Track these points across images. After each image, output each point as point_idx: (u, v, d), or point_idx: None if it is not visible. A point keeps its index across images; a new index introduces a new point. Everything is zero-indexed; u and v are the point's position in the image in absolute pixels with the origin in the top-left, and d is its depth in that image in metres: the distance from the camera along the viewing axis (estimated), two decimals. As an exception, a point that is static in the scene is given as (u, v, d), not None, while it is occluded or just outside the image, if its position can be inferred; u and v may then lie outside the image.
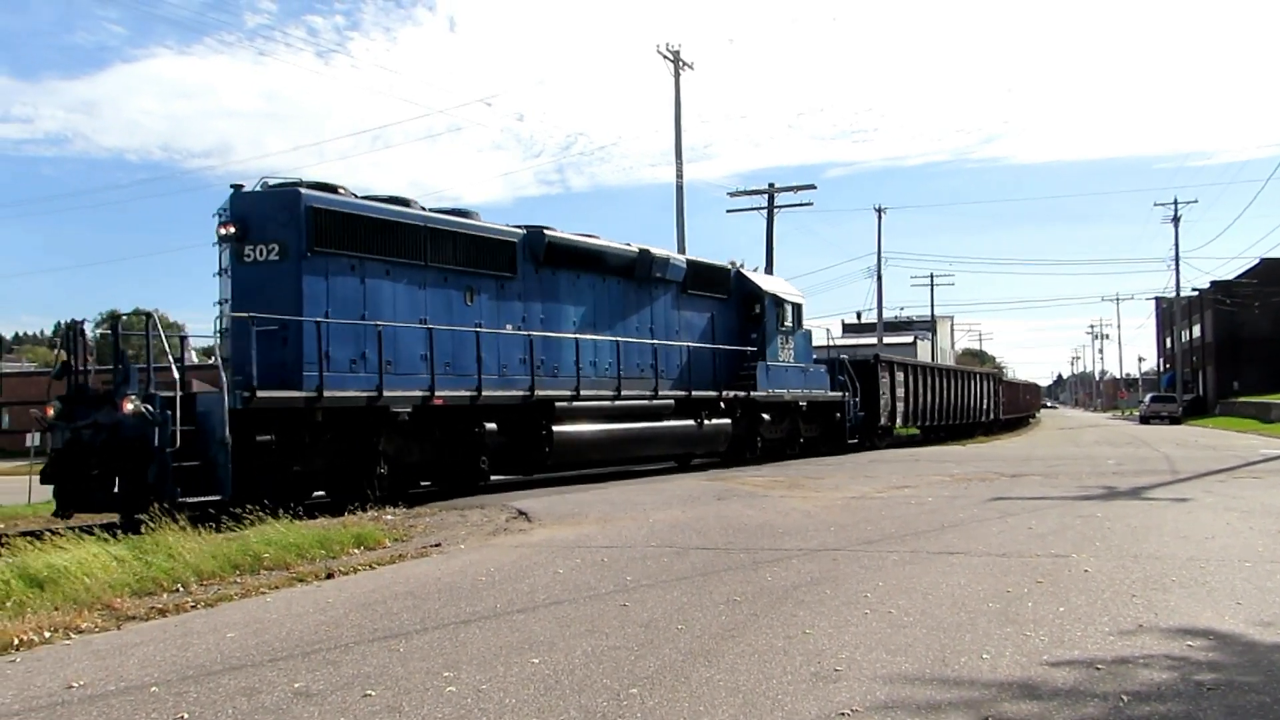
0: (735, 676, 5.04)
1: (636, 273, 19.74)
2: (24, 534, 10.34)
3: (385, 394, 13.82)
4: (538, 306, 17.40)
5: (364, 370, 13.88)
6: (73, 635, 6.46)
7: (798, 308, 24.78)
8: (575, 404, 17.29)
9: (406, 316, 14.86)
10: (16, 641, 6.17)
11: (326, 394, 13.04)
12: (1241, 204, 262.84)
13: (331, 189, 14.31)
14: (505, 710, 4.58)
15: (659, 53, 34.78)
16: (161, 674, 5.37)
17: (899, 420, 31.68)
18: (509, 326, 16.68)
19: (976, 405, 41.21)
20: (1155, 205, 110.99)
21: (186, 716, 4.60)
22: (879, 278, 57.99)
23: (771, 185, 40.38)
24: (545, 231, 17.53)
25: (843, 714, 4.43)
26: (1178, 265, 67.23)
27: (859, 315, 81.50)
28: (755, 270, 25.85)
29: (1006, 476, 17.52)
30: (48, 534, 8.84)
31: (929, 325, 79.03)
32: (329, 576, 8.46)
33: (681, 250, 34.59)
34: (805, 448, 24.88)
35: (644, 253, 19.94)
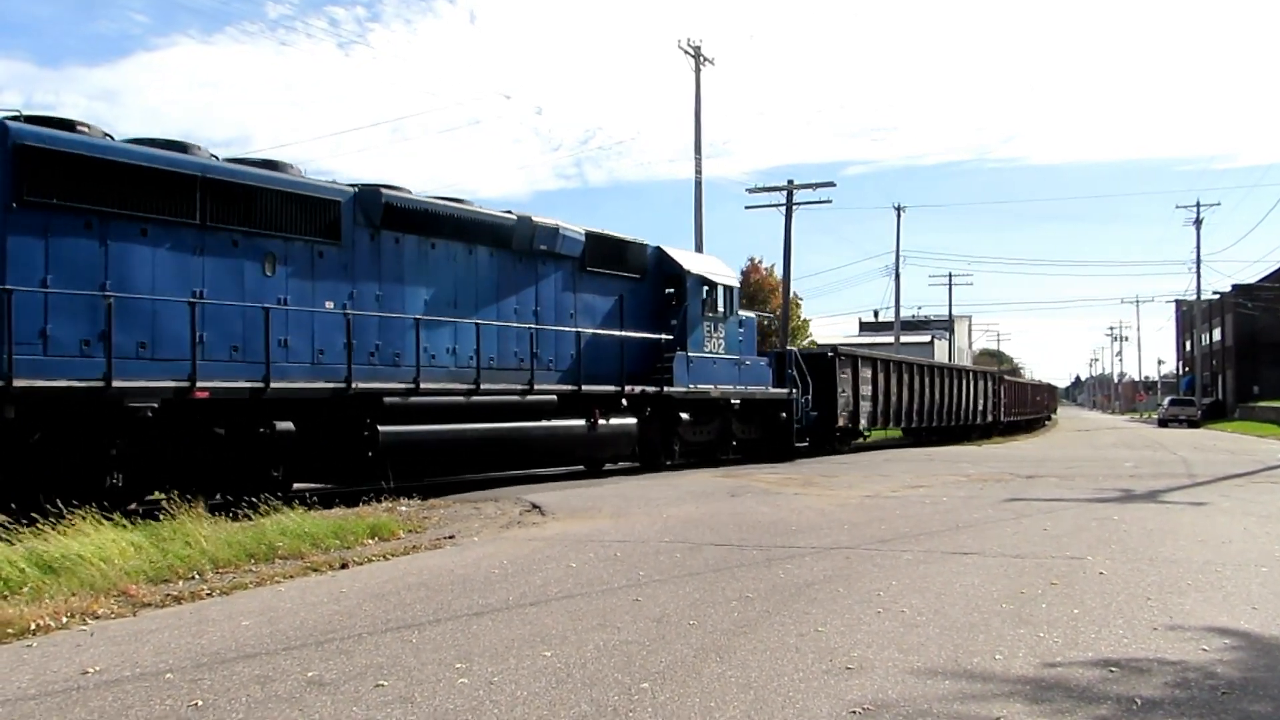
0: (747, 673, 5.04)
1: (515, 244, 16.72)
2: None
3: (118, 383, 10.94)
4: (373, 282, 14.43)
5: (101, 354, 11.04)
6: (89, 621, 6.50)
7: (731, 291, 21.62)
8: (413, 399, 14.17)
9: (172, 289, 12.00)
10: (33, 627, 6.22)
11: (19, 383, 10.20)
12: (1265, 207, 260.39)
13: (67, 125, 11.61)
14: (517, 702, 4.59)
15: (680, 48, 34.71)
16: (176, 661, 5.40)
17: (864, 421, 27.83)
18: (329, 304, 13.77)
19: (970, 406, 37.61)
20: (1177, 207, 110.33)
21: (201, 703, 4.63)
22: (897, 277, 57.76)
23: (790, 182, 40.20)
24: (383, 190, 14.63)
25: (854, 712, 4.42)
26: (1199, 268, 66.56)
27: (876, 314, 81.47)
28: (692, 252, 23.10)
29: (1022, 477, 17.45)
30: (65, 520, 8.89)
31: (947, 325, 78.84)
32: (343, 567, 8.50)
33: (699, 247, 34.55)
34: (744, 451, 22.19)
35: (524, 221, 16.85)
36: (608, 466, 19.05)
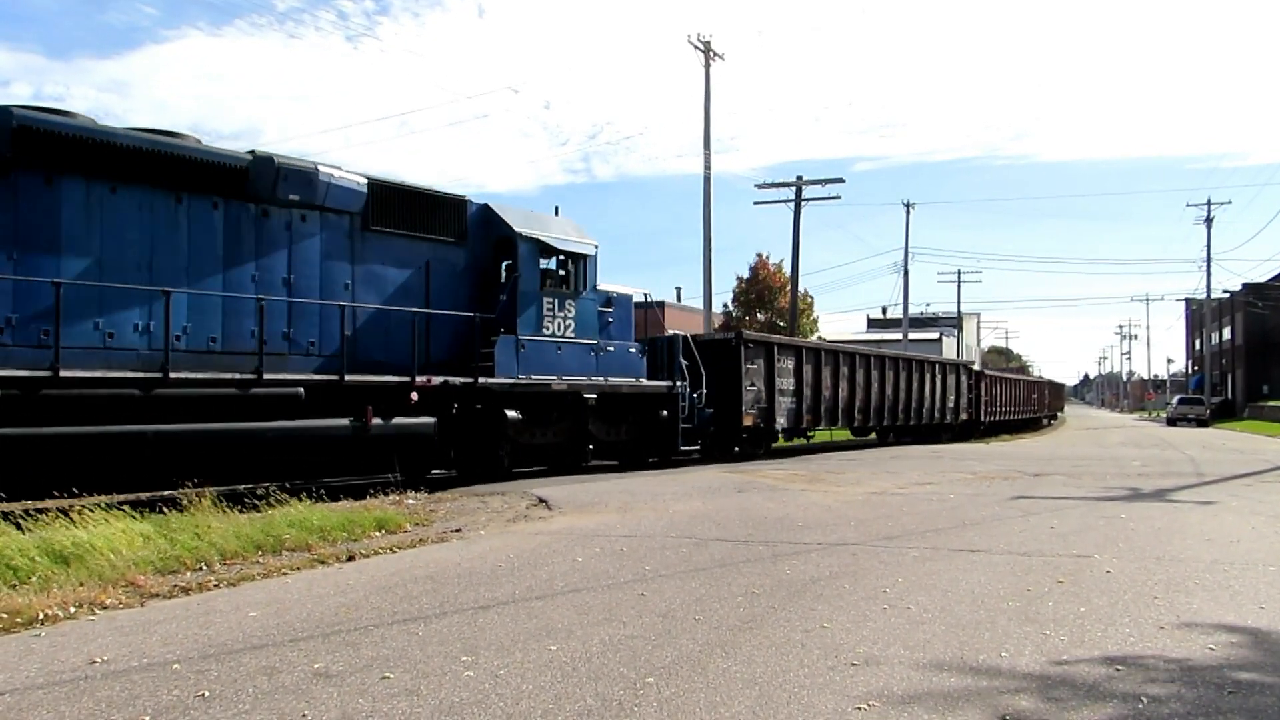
0: (752, 668, 5.04)
1: (253, 193, 13.13)
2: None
3: None
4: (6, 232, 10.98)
5: None
6: (97, 611, 6.53)
7: (584, 261, 17.22)
8: (47, 391, 10.66)
9: None
10: (41, 616, 6.26)
11: None
12: (1275, 206, 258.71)
13: None
14: (522, 696, 4.60)
15: (690, 43, 34.68)
16: (184, 651, 5.42)
17: (784, 420, 23.14)
18: None
19: (937, 404, 32.53)
20: (1188, 206, 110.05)
21: (208, 694, 4.65)
22: (906, 274, 57.61)
23: (800, 179, 40.17)
24: (18, 111, 11.12)
25: (859, 708, 4.42)
26: (1209, 266, 66.40)
27: (884, 311, 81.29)
28: (531, 211, 17.44)
29: (1029, 475, 17.42)
30: (75, 510, 8.93)
31: (955, 322, 78.69)
32: (350, 559, 8.53)
33: (707, 242, 34.52)
34: (611, 456, 18.69)
35: (264, 162, 13.20)
36: (609, 462, 18.63)
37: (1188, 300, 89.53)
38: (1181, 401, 68.02)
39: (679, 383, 19.20)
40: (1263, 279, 71.81)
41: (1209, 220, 66.15)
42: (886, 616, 6.20)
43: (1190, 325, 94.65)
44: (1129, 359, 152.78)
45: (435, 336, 15.16)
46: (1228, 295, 73.83)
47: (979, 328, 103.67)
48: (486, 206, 16.48)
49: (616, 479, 15.81)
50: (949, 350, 72.21)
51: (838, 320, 72.45)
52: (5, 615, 6.19)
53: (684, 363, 19.53)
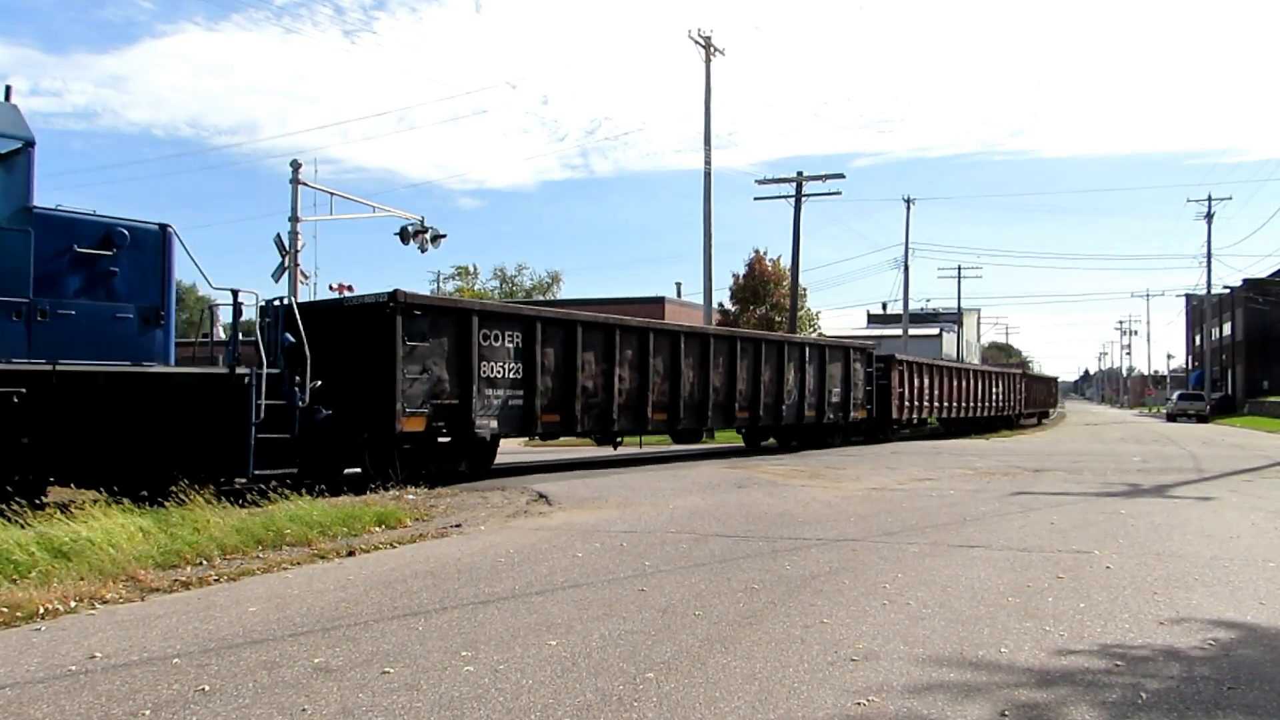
0: (752, 663, 5.04)
1: None
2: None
3: None
4: None
5: None
6: (97, 606, 6.54)
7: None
8: None
9: None
10: (42, 610, 6.26)
11: None
12: (1275, 202, 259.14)
13: None
14: (522, 691, 4.60)
15: (691, 38, 34.67)
16: (184, 646, 5.43)
17: (495, 422, 15.74)
18: None
19: (809, 399, 24.63)
20: (1189, 201, 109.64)
21: (208, 688, 4.66)
22: (906, 270, 57.62)
23: (800, 174, 40.17)
24: None
25: (859, 703, 4.42)
26: (1210, 262, 66.45)
27: (884, 306, 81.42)
28: None
29: (1029, 471, 17.42)
30: (74, 505, 8.94)
31: (955, 318, 78.74)
32: (350, 554, 8.54)
33: (708, 238, 34.51)
34: (95, 477, 11.15)
35: None
36: (608, 457, 17.87)
37: (1188, 296, 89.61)
38: (1182, 397, 68.03)
39: (262, 371, 12.33)
40: (1263, 274, 71.85)
41: (1209, 216, 66.22)
42: (886, 612, 6.21)
43: (1190, 321, 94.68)
44: (1129, 355, 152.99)
45: None
46: (1228, 291, 73.84)
47: (979, 324, 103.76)
48: None
49: (617, 474, 15.82)
50: (949, 346, 72.29)
51: (838, 316, 72.44)
52: (5, 609, 6.20)
53: (289, 340, 13.08)
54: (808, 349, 25.04)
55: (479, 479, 15.12)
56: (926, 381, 33.16)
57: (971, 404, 38.66)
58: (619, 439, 19.69)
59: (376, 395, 14.16)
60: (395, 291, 14.40)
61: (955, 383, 36.79)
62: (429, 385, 14.69)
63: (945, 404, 35.36)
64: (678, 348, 19.80)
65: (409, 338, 14.37)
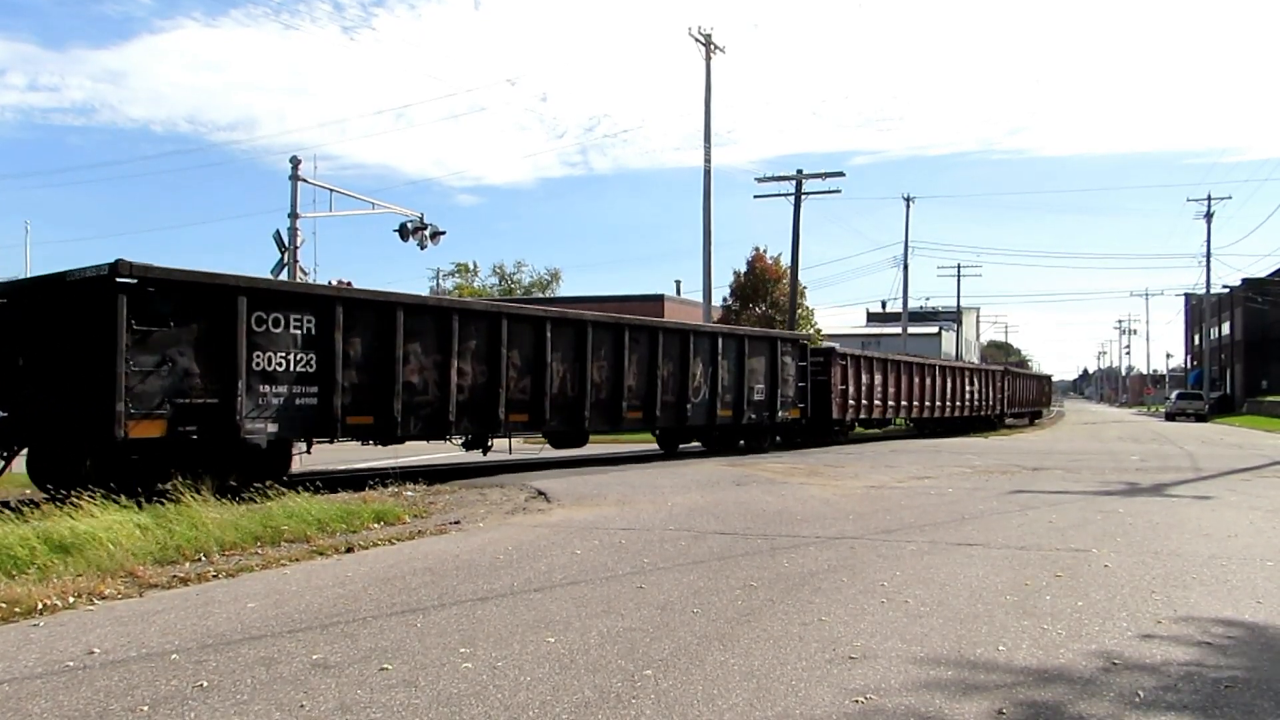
0: (750, 661, 5.05)
1: None
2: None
3: None
4: None
5: None
6: (95, 601, 6.54)
7: None
8: None
9: None
10: (40, 606, 6.26)
11: None
12: (1275, 201, 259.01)
13: None
14: (520, 687, 4.61)
15: (691, 36, 34.59)
16: (182, 642, 5.43)
17: (273, 425, 12.70)
18: None
19: (724, 396, 21.43)
20: (1188, 200, 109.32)
21: (206, 684, 4.66)
22: (905, 268, 57.59)
23: (800, 172, 40.13)
24: None
25: (857, 701, 4.43)
26: (1209, 261, 66.35)
27: (884, 305, 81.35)
28: None
29: (1028, 470, 17.44)
30: (74, 500, 8.94)
31: (955, 316, 78.72)
32: (348, 550, 8.54)
33: (707, 236, 34.45)
34: None
35: None
36: (610, 455, 17.63)
37: (1187, 295, 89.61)
38: (1180, 396, 67.97)
39: None
40: (1262, 274, 71.87)
41: (1209, 215, 66.13)
42: (884, 610, 6.21)
43: (1189, 320, 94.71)
44: (1128, 354, 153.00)
45: None
46: (1227, 290, 73.83)
47: (979, 322, 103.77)
48: None
49: (616, 471, 15.82)
50: (949, 345, 72.29)
51: (837, 314, 72.47)
52: (4, 605, 6.20)
53: None
54: (721, 339, 21.64)
55: (260, 489, 10.93)
56: (879, 378, 29.55)
57: (941, 403, 35.40)
58: (476, 443, 16.59)
59: (90, 393, 11.33)
60: (119, 262, 11.29)
61: (920, 380, 33.17)
62: (172, 380, 11.70)
63: (907, 403, 32.12)
64: (542, 337, 16.63)
65: (140, 321, 11.46)
